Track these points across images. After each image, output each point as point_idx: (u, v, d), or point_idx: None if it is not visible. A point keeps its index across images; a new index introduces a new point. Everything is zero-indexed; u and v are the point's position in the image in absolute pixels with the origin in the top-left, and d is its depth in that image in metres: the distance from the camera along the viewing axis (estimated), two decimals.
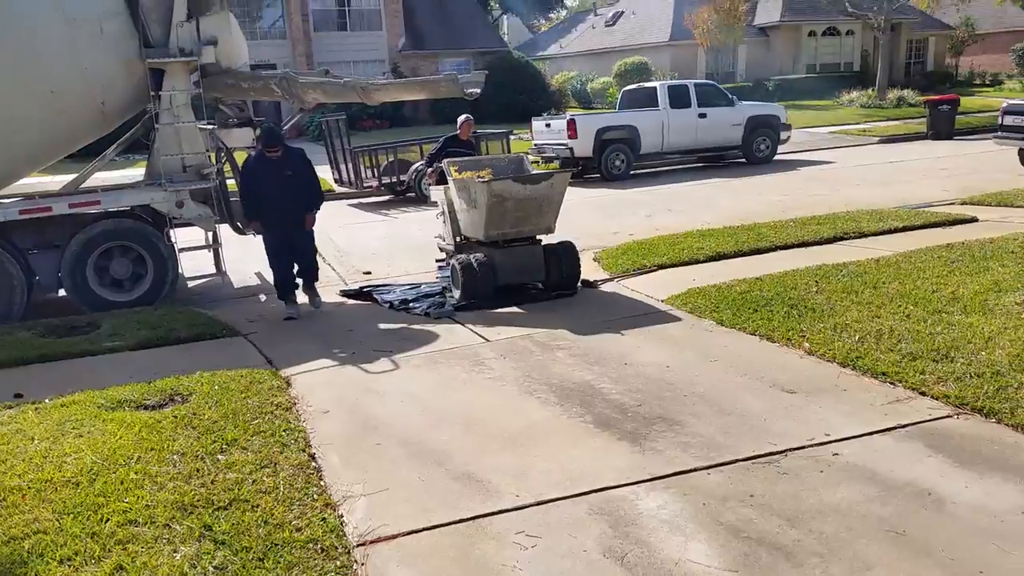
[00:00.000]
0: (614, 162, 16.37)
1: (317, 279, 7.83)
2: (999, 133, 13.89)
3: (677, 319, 6.32)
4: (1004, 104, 13.96)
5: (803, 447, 3.96)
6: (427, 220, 13.49)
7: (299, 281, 7.71)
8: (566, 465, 3.95)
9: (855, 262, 7.32)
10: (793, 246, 8.58)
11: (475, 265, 7.13)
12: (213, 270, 9.32)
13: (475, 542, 3.35)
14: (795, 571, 2.98)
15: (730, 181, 15.34)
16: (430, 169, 9.02)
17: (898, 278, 6.61)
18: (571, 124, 16.46)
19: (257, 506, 3.62)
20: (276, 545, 3.31)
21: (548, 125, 17.37)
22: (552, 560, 3.17)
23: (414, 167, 16.42)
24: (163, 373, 5.66)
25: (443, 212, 7.94)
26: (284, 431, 4.53)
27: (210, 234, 8.86)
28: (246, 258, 10.11)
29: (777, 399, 4.57)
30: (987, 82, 34.76)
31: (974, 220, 9.32)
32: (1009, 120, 13.57)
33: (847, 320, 5.65)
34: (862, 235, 8.88)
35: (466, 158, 8.14)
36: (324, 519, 3.53)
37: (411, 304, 7.61)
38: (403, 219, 14.17)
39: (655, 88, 17.36)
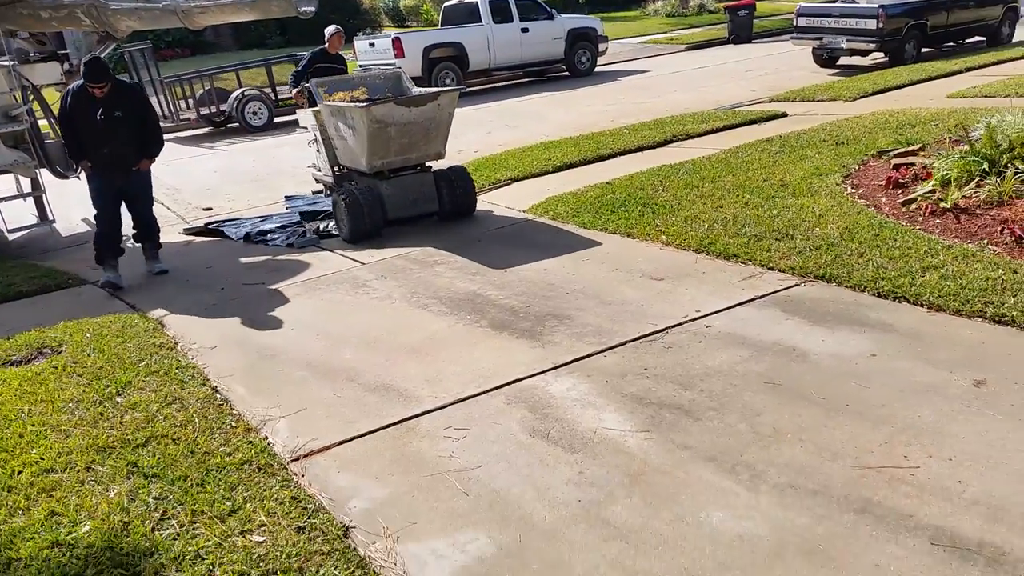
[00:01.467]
0: (444, 81, 16.30)
1: (158, 240, 6.73)
2: (795, 34, 15.18)
3: (543, 226, 6.64)
4: (798, 7, 15.20)
5: (680, 324, 4.42)
6: (259, 151, 13.01)
7: (130, 243, 6.74)
8: (474, 366, 4.19)
9: (690, 161, 7.94)
10: (631, 151, 9.13)
11: (361, 200, 6.65)
12: (35, 220, 8.57)
13: (408, 441, 3.54)
14: (696, 424, 3.42)
15: (558, 94, 15.78)
16: (295, 90, 8.49)
17: (731, 171, 7.27)
18: (396, 43, 16.16)
19: (178, 439, 3.60)
20: (211, 471, 3.34)
21: (372, 45, 16.94)
22: (485, 445, 3.43)
23: (234, 95, 15.59)
24: (17, 329, 5.29)
25: (315, 139, 7.44)
26: (177, 369, 4.44)
27: (29, 180, 8.11)
28: (69, 203, 9.36)
29: (649, 287, 5.02)
30: None
31: (784, 115, 10.28)
32: (803, 21, 14.85)
33: (695, 212, 6.21)
34: (689, 136, 9.58)
35: (336, 77, 7.62)
36: (251, 442, 3.58)
37: (269, 236, 7.43)
38: (232, 151, 13.51)
39: (476, 3, 17.33)
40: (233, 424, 3.77)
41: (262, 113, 15.39)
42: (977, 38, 15.27)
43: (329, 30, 8.73)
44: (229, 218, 8.37)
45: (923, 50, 14.35)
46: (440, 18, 18.95)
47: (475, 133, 11.91)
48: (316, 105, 7.38)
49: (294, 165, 10.46)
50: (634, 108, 12.67)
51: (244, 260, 6.86)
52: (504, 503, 3.03)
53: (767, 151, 7.91)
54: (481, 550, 2.80)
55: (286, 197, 8.97)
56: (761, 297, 4.66)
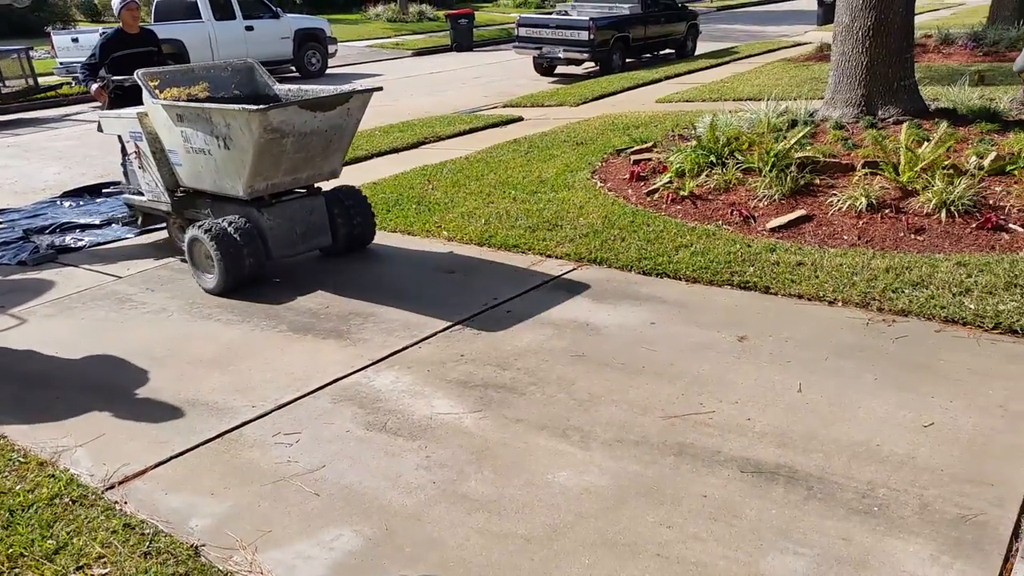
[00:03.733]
0: None
1: None
2: (517, 43, 16.20)
3: None
4: (519, 17, 16.25)
5: (482, 311, 4.67)
6: None
7: None
8: (286, 371, 4.09)
9: (451, 160, 8.27)
10: (387, 152, 9.26)
11: (238, 237, 5.00)
12: None
13: (236, 454, 3.39)
14: (522, 399, 3.68)
15: None
16: (96, 85, 6.60)
17: (492, 170, 7.70)
18: None
19: None
20: (16, 511, 2.96)
21: (76, 40, 15.25)
22: (322, 445, 3.40)
23: None
24: None
25: (139, 153, 5.68)
26: None
27: None
28: None
29: (444, 280, 5.22)
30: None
31: (521, 119, 11.01)
32: (524, 32, 15.90)
33: (469, 208, 6.51)
34: (440, 138, 9.92)
35: (166, 67, 5.81)
36: (52, 476, 3.22)
37: None
38: None
39: None
40: (22, 460, 3.35)
41: None
42: (668, 50, 17.42)
43: (115, 3, 6.90)
44: None
45: (627, 60, 16.08)
46: (152, 13, 17.52)
47: None
48: (130, 103, 5.98)
49: (11, 178, 9.17)
50: (378, 111, 12.74)
51: None
52: (360, 497, 3.05)
53: (518, 151, 8.47)
54: (349, 544, 2.81)
55: None
56: (548, 282, 5.06)
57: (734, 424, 3.38)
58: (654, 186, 6.53)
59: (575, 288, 4.94)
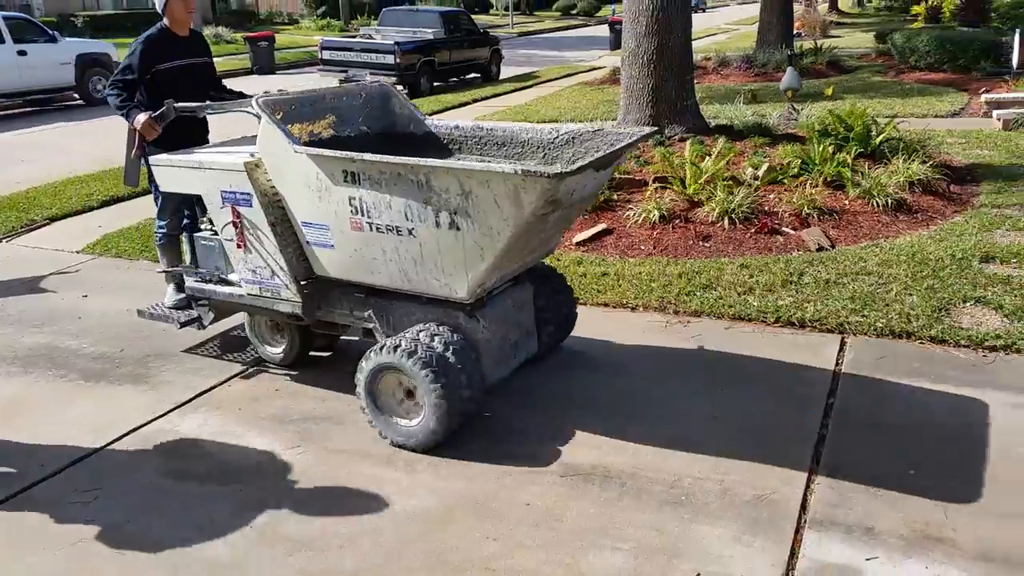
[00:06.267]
0: None
1: None
2: (322, 66, 15.95)
3: (111, 265, 6.07)
4: (321, 40, 16.02)
5: None
6: None
7: None
8: (79, 423, 3.75)
9: None
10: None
11: (455, 362, 3.31)
12: None
13: (24, 519, 3.05)
14: (344, 429, 3.60)
15: (79, 124, 14.19)
16: (144, 116, 4.17)
17: None
18: None
19: None
20: None
21: None
22: (124, 500, 3.14)
23: None
24: None
25: (242, 223, 3.68)
26: None
27: None
28: None
29: None
30: (286, 21, 38.25)
31: None
32: (327, 55, 15.71)
33: None
34: None
35: (286, 93, 3.83)
36: None
37: None
38: None
39: None
40: None
41: None
42: (474, 74, 17.82)
43: None
44: None
45: (435, 84, 16.28)
46: None
47: None
48: (176, 141, 4.21)
49: None
50: None
51: None
52: (170, 552, 2.84)
53: None
54: None
55: None
56: None
57: (552, 431, 3.49)
58: None
59: None
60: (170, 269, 4.55)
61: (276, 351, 4.21)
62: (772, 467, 3.17)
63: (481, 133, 4.03)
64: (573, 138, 3.77)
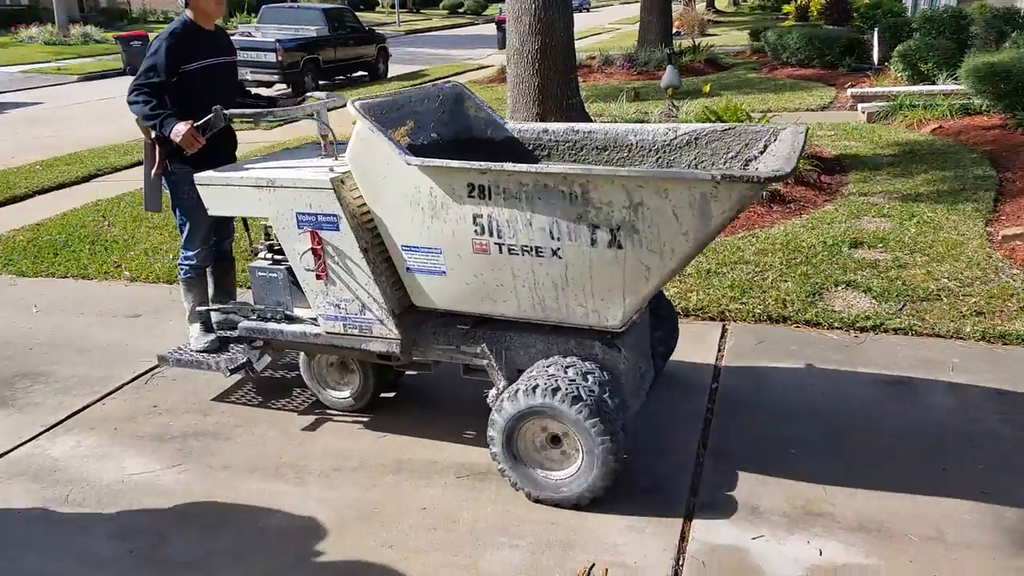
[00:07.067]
0: None
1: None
2: None
3: None
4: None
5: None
6: None
7: None
8: None
9: (129, 193, 7.57)
10: (51, 189, 8.27)
11: (611, 403, 2.90)
12: None
13: None
14: (229, 444, 3.45)
15: None
16: (185, 126, 3.57)
17: None
18: None
19: None
20: None
21: None
22: None
23: None
24: None
25: (323, 250, 3.19)
26: None
27: None
28: None
29: (128, 326, 4.74)
30: (160, 19, 36.54)
31: None
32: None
33: (154, 244, 6.02)
34: (116, 169, 9.08)
35: (376, 97, 3.27)
36: None
37: None
38: None
39: None
40: None
41: None
42: (362, 72, 17.53)
43: None
44: None
45: (320, 82, 15.91)
46: None
47: None
48: (210, 158, 3.59)
49: None
50: (38, 143, 11.29)
51: None
52: None
53: None
54: None
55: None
56: None
57: (451, 433, 3.46)
58: None
59: None
60: (216, 308, 3.96)
61: (342, 395, 3.63)
62: (662, 454, 3.25)
63: (576, 136, 3.57)
64: (696, 138, 3.32)
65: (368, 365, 3.52)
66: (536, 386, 2.86)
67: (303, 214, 3.15)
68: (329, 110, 3.60)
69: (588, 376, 2.91)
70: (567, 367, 2.95)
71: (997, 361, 3.87)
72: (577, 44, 8.68)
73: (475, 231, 2.90)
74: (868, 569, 2.58)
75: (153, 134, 3.73)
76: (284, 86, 15.42)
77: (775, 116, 8.54)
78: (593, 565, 2.65)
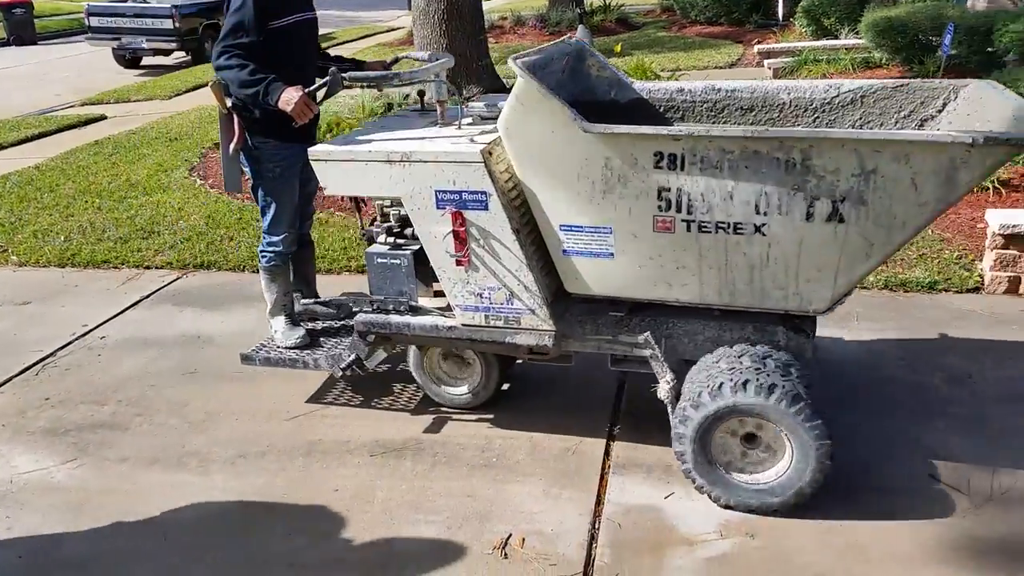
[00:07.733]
0: None
1: None
2: (90, 35, 14.45)
3: None
4: (87, 6, 14.47)
5: (70, 343, 4.08)
6: None
7: None
8: None
9: (15, 172, 7.11)
10: None
11: (812, 392, 2.66)
12: None
13: None
14: (127, 435, 3.28)
15: None
16: (297, 93, 3.07)
17: (69, 178, 6.77)
18: None
19: None
20: None
21: None
22: None
23: None
24: None
25: (465, 232, 2.83)
26: None
27: None
28: None
29: (16, 313, 4.46)
30: None
31: (104, 117, 9.86)
32: (96, 21, 14.24)
33: (44, 225, 5.66)
34: (1, 147, 8.49)
35: (532, 54, 3.00)
36: None
37: None
38: None
39: None
40: None
41: None
42: None
43: None
44: None
45: None
46: None
47: None
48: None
49: None
50: None
51: None
52: None
53: (101, 154, 7.55)
54: None
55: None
56: (148, 296, 4.59)
57: (362, 410, 3.37)
58: None
59: (180, 299, 4.54)
60: (324, 301, 3.61)
61: (459, 391, 3.29)
62: (578, 419, 3.23)
63: (717, 96, 3.19)
64: (861, 96, 2.98)
65: (490, 356, 3.19)
66: (746, 381, 2.53)
67: (444, 192, 2.78)
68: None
69: (794, 368, 2.63)
70: (782, 361, 2.64)
71: (897, 308, 4.00)
72: (489, 4, 8.52)
73: (659, 207, 2.58)
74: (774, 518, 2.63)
75: (229, 103, 3.24)
76: (183, 54, 14.72)
77: (684, 75, 8.59)
78: (510, 536, 2.63)
